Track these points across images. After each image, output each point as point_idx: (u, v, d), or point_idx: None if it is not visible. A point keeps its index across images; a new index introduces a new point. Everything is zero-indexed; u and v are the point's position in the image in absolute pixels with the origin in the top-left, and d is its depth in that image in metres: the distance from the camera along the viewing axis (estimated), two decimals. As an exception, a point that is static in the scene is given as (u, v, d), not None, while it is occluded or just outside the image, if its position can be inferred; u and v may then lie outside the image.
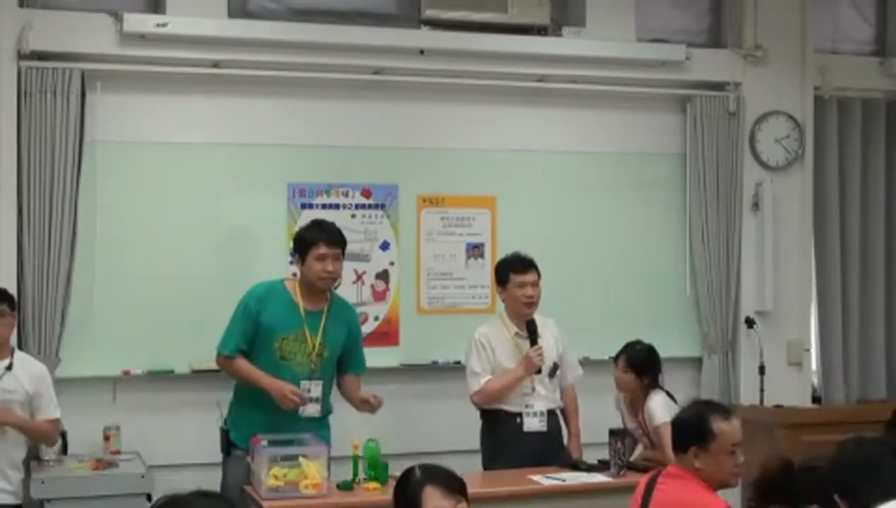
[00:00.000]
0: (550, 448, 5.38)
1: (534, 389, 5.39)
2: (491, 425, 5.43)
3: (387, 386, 6.10)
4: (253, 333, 5.04)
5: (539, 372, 5.36)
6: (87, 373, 5.68)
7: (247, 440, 4.96)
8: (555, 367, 5.46)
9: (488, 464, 5.40)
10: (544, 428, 5.39)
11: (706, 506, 3.60)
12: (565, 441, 5.52)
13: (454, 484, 3.24)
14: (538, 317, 5.46)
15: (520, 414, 5.37)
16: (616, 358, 5.41)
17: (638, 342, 5.42)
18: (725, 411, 3.79)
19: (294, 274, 5.31)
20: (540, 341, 5.37)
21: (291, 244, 5.20)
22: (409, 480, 3.25)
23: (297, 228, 5.96)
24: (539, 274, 5.44)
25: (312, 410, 5.03)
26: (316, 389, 5.05)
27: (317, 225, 5.17)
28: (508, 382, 5.35)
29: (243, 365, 5.04)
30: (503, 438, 5.37)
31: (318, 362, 5.06)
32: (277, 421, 4.94)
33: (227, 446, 5.10)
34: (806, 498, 2.97)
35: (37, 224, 5.56)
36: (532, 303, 5.40)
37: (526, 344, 5.39)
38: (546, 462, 5.25)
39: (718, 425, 3.67)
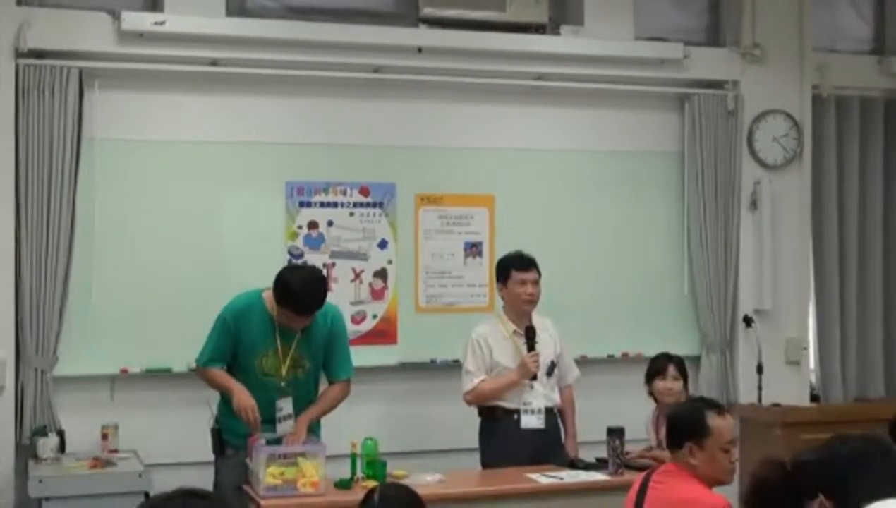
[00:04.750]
0: (548, 446, 5.39)
1: (531, 386, 5.40)
2: (489, 422, 5.44)
3: (385, 384, 6.13)
4: (231, 348, 5.00)
5: (534, 378, 5.38)
6: (85, 371, 5.68)
7: (238, 438, 4.96)
8: (552, 366, 5.48)
9: (486, 462, 5.41)
10: (542, 426, 5.39)
11: (704, 502, 3.60)
12: (563, 439, 5.53)
13: None
14: (536, 317, 5.47)
15: (517, 411, 5.38)
16: (655, 373, 5.33)
17: (666, 353, 5.41)
18: (720, 407, 3.80)
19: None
20: (537, 347, 5.39)
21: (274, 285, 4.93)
22: (367, 506, 3.16)
23: (296, 227, 6.01)
24: (539, 274, 5.46)
25: (287, 427, 4.95)
26: (287, 406, 4.96)
27: (300, 295, 4.82)
28: (502, 385, 5.37)
29: (216, 373, 5.02)
30: (501, 435, 5.37)
31: (299, 373, 4.99)
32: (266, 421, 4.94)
33: (220, 446, 5.07)
34: (800, 494, 2.96)
35: (34, 222, 5.55)
36: (532, 301, 5.42)
37: (523, 341, 5.40)
38: (544, 460, 5.26)
39: (714, 421, 3.68)
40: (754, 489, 3.02)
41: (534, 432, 5.37)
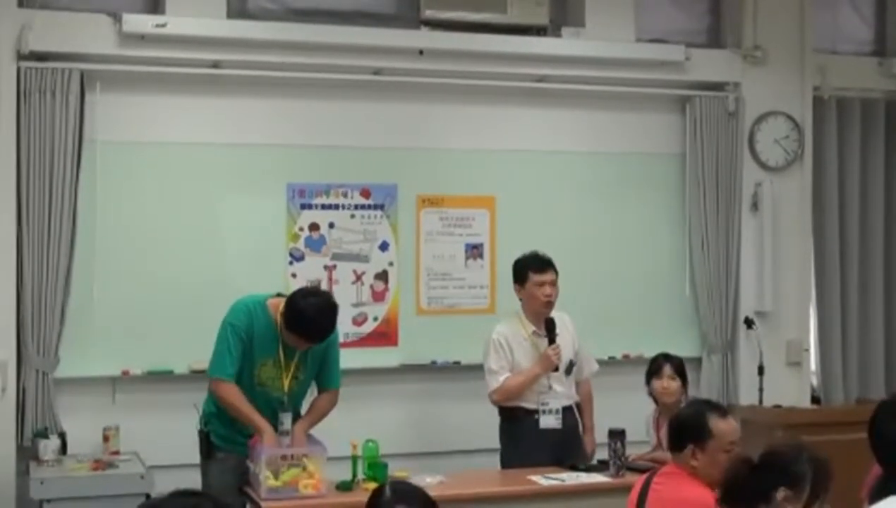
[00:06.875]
0: (567, 445, 5.40)
1: (550, 387, 5.42)
2: (509, 423, 5.45)
3: (386, 386, 6.13)
4: (245, 354, 4.85)
5: (556, 370, 5.38)
6: (87, 373, 5.68)
7: (229, 441, 4.92)
8: (570, 365, 5.50)
9: (507, 462, 5.42)
10: (560, 426, 5.40)
11: (705, 503, 3.61)
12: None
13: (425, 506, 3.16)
14: (554, 313, 5.47)
15: (536, 412, 5.39)
16: (652, 373, 5.34)
17: (665, 353, 5.43)
18: (723, 410, 3.81)
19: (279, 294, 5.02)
20: (558, 340, 5.39)
21: (284, 314, 4.76)
22: (379, 500, 3.10)
23: (297, 229, 6.01)
24: (556, 274, 5.46)
25: (285, 441, 4.83)
26: (287, 421, 4.83)
27: (316, 323, 4.72)
28: (526, 379, 5.38)
29: (242, 400, 4.80)
30: (520, 435, 5.39)
31: (294, 385, 4.90)
32: None
33: (208, 449, 4.97)
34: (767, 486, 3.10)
35: (36, 224, 5.55)
36: (550, 303, 5.43)
37: (543, 342, 5.41)
38: (564, 459, 5.27)
39: (716, 424, 3.68)
40: (725, 485, 3.18)
41: (552, 431, 5.38)
